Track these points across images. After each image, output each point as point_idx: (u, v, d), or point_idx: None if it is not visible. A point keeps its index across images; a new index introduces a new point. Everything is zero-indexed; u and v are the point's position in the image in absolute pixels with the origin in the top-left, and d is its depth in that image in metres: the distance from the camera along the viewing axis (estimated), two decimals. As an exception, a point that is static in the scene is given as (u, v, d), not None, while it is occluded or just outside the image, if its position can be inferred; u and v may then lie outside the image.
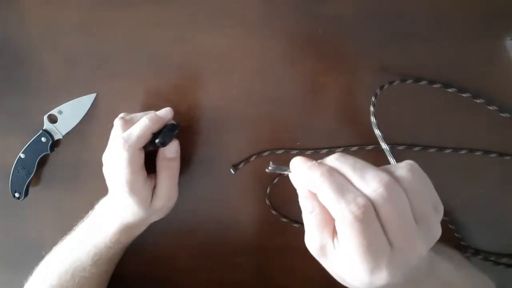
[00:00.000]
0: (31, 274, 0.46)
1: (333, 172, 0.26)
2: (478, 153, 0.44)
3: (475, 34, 0.42)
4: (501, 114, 0.42)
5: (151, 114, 0.42)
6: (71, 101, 0.48)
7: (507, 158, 0.43)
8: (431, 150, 0.44)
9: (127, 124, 0.42)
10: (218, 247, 0.49)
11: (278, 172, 0.31)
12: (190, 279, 0.51)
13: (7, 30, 0.48)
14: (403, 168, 0.26)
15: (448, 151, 0.44)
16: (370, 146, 0.45)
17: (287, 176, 0.31)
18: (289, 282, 0.49)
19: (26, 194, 0.50)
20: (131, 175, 0.39)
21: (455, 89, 0.42)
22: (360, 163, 0.26)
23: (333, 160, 0.27)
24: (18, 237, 0.53)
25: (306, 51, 0.44)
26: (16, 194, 0.50)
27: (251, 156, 0.47)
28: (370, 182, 0.25)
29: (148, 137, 0.41)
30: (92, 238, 0.44)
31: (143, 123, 0.40)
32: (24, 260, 0.54)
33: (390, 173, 0.25)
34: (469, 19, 0.41)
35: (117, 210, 0.43)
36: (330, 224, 0.27)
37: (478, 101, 0.42)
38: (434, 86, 0.43)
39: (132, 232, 0.45)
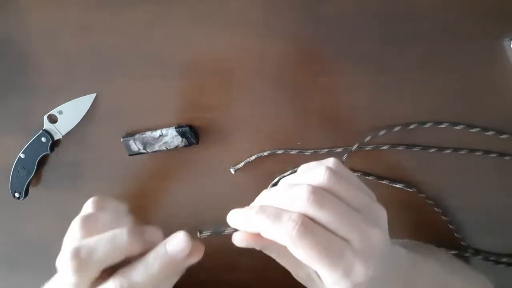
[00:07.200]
0: None
1: (264, 207, 0.27)
2: (478, 153, 0.44)
3: (473, 34, 0.42)
4: (500, 136, 0.42)
5: (160, 253, 0.28)
6: (71, 101, 0.48)
7: (507, 158, 0.43)
8: (431, 150, 0.44)
9: (90, 228, 0.29)
10: (218, 247, 0.49)
11: (215, 233, 0.32)
12: (190, 279, 0.50)
13: (6, 30, 0.48)
14: (321, 173, 0.27)
15: (448, 151, 0.44)
16: (370, 146, 0.45)
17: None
18: (289, 282, 0.49)
19: (26, 194, 0.50)
20: None
21: (450, 123, 0.42)
22: (284, 187, 0.28)
23: (262, 198, 0.29)
24: (18, 237, 0.53)
25: (306, 51, 0.44)
26: (16, 194, 0.50)
27: (251, 156, 0.47)
28: (296, 198, 0.26)
29: (118, 259, 0.28)
30: None
31: (152, 269, 0.28)
32: (24, 260, 0.54)
33: (313, 182, 0.27)
34: (468, 20, 0.41)
35: None
36: None
37: (475, 130, 0.42)
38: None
39: None
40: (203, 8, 0.45)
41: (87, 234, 0.29)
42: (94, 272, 0.27)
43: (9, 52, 0.49)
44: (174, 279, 0.31)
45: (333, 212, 0.25)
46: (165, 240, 0.29)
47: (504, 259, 0.45)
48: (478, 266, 0.45)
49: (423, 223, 0.46)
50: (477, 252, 0.46)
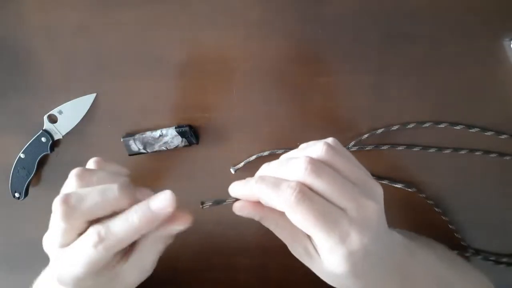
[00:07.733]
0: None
1: (263, 177, 0.28)
2: (478, 153, 0.44)
3: (474, 34, 0.42)
4: (499, 136, 0.42)
5: (142, 207, 0.28)
6: (71, 101, 0.48)
7: (507, 158, 0.43)
8: (431, 150, 0.44)
9: (86, 180, 0.31)
10: (218, 247, 0.49)
11: (217, 204, 0.33)
12: (190, 279, 0.51)
13: (6, 30, 0.48)
14: (319, 147, 0.28)
15: (448, 151, 0.44)
16: (370, 147, 0.45)
17: None
18: (289, 282, 0.49)
19: (26, 194, 0.50)
20: (86, 277, 0.28)
21: (449, 123, 0.42)
22: (283, 159, 0.29)
23: (262, 169, 0.30)
24: (18, 237, 0.53)
25: (306, 51, 0.44)
26: (16, 194, 0.50)
27: (251, 156, 0.47)
28: (295, 167, 0.27)
29: (106, 212, 0.28)
30: None
31: (131, 221, 0.27)
32: (24, 260, 0.54)
33: (311, 155, 0.28)
34: (468, 20, 0.41)
35: None
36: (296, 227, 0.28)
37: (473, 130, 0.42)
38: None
39: None
40: (203, 8, 0.45)
41: (82, 185, 0.30)
42: (81, 221, 0.28)
43: (9, 51, 0.49)
44: (159, 246, 0.31)
45: (330, 182, 0.26)
46: (150, 197, 0.29)
47: (504, 259, 0.45)
48: (478, 266, 0.45)
49: (423, 223, 0.46)
50: (477, 252, 0.46)
